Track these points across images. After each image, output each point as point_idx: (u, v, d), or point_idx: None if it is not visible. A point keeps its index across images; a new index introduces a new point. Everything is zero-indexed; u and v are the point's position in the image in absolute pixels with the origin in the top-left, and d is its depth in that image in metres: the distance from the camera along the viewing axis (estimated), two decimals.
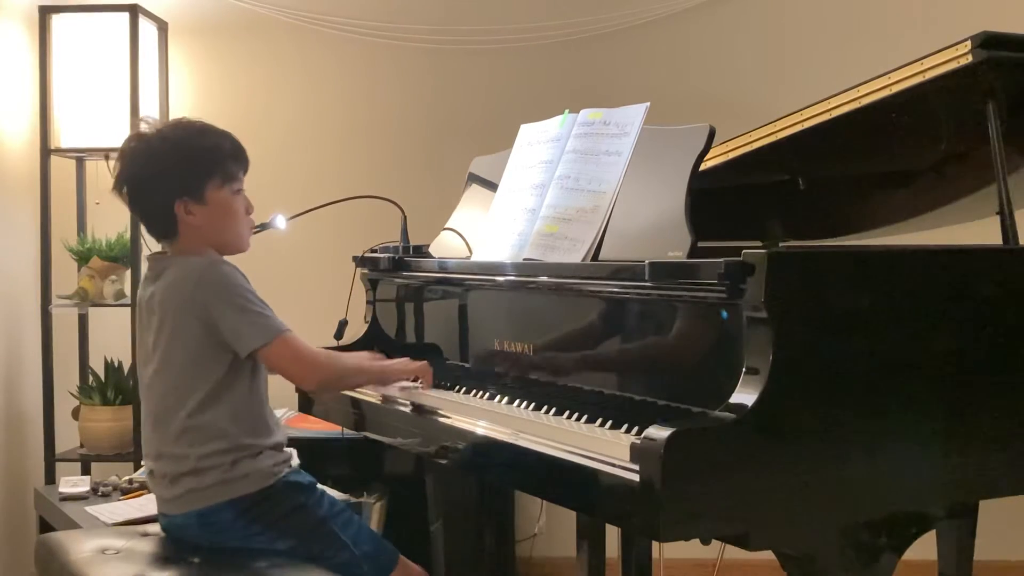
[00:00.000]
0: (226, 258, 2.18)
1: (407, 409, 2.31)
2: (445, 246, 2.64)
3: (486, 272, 2.35)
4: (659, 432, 1.60)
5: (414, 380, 2.36)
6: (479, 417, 2.10)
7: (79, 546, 2.17)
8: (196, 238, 2.16)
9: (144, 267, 3.47)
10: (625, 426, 1.82)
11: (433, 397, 2.26)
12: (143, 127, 2.19)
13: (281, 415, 2.23)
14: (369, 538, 2.22)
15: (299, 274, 3.72)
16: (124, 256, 3.59)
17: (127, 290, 3.60)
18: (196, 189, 2.14)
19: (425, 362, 2.36)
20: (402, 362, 2.37)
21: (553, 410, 2.01)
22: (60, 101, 3.60)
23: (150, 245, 3.53)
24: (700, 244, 1.91)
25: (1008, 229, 2.03)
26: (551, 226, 2.23)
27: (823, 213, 2.73)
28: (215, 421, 2.09)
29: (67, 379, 3.66)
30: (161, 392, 2.13)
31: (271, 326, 2.09)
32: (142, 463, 3.27)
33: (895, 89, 2.10)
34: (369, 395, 2.45)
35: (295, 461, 2.22)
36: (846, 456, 1.73)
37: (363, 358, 2.41)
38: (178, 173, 2.15)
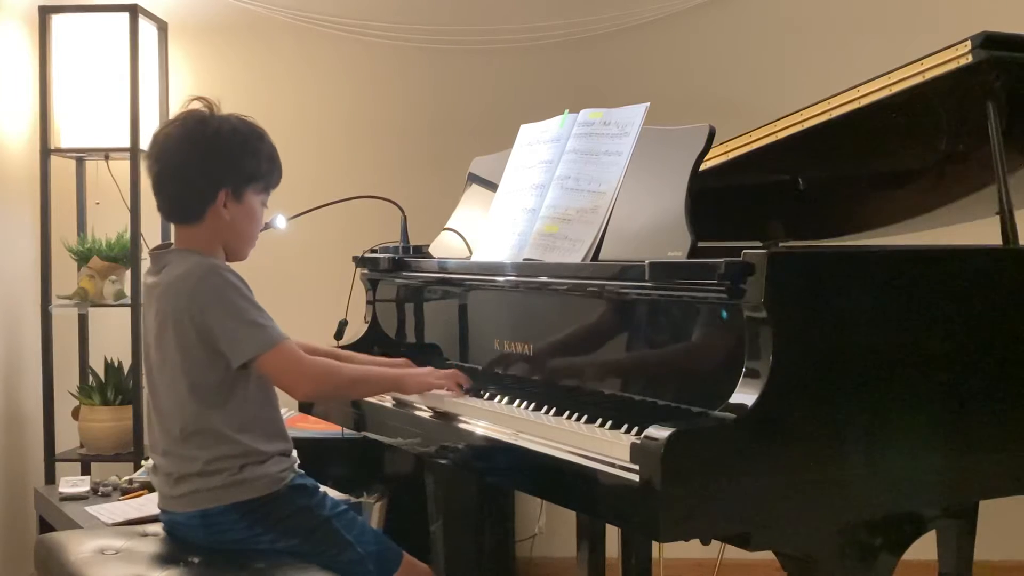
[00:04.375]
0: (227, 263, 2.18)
1: (407, 410, 2.30)
2: (445, 246, 2.64)
3: (486, 272, 2.35)
4: (659, 432, 1.60)
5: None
6: (479, 417, 2.10)
7: (79, 546, 2.16)
8: (216, 232, 2.15)
9: (144, 268, 3.50)
10: (625, 426, 1.82)
11: (433, 397, 2.26)
12: (200, 105, 2.16)
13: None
14: (373, 537, 2.22)
15: (299, 274, 3.72)
16: (124, 256, 3.59)
17: (127, 290, 3.60)
18: (242, 187, 2.14)
19: (454, 370, 2.28)
20: (426, 371, 2.28)
21: (553, 410, 2.01)
22: (60, 101, 3.60)
23: (150, 245, 3.56)
24: (700, 244, 1.92)
25: (1008, 229, 2.03)
26: (551, 226, 2.23)
27: (823, 213, 2.73)
28: (225, 425, 2.08)
29: (67, 379, 3.66)
30: (166, 391, 2.12)
31: (266, 336, 2.06)
32: (143, 460, 3.29)
33: (895, 89, 2.10)
34: None
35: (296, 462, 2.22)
36: (846, 456, 1.73)
37: (382, 365, 2.37)
38: (236, 165, 2.14)
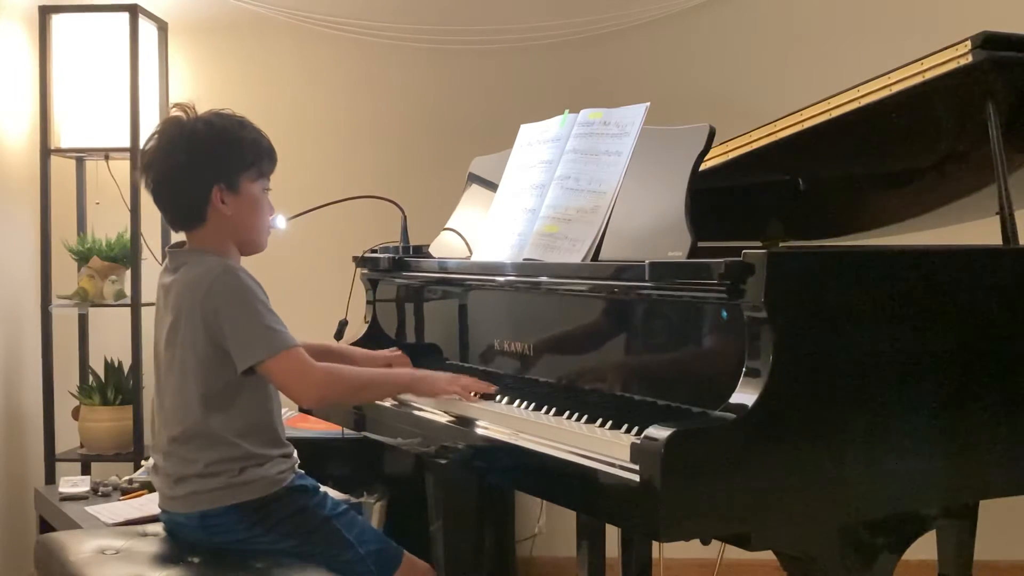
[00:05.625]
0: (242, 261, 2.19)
1: (407, 410, 2.30)
2: (445, 246, 2.64)
3: (486, 272, 2.35)
4: (659, 432, 1.60)
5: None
6: (479, 417, 2.10)
7: (79, 546, 2.16)
8: (222, 229, 2.15)
9: (143, 268, 3.51)
10: (625, 426, 1.82)
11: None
12: (178, 112, 2.16)
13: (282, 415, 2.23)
14: (373, 537, 2.22)
15: (299, 274, 3.71)
16: (124, 256, 3.59)
17: (127, 290, 3.59)
18: (233, 178, 2.14)
19: (474, 379, 2.22)
20: (443, 377, 2.22)
21: (553, 410, 2.01)
22: (60, 101, 3.60)
23: (150, 245, 3.57)
24: (700, 244, 1.92)
25: (1008, 229, 2.03)
26: (551, 226, 2.23)
27: (823, 213, 2.73)
28: (226, 430, 2.07)
29: (67, 379, 3.66)
30: (172, 391, 2.12)
31: (276, 340, 2.06)
32: (143, 460, 3.29)
33: (895, 89, 2.10)
34: None
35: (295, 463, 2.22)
36: (846, 456, 1.73)
37: (385, 366, 2.39)
38: (220, 159, 2.13)
